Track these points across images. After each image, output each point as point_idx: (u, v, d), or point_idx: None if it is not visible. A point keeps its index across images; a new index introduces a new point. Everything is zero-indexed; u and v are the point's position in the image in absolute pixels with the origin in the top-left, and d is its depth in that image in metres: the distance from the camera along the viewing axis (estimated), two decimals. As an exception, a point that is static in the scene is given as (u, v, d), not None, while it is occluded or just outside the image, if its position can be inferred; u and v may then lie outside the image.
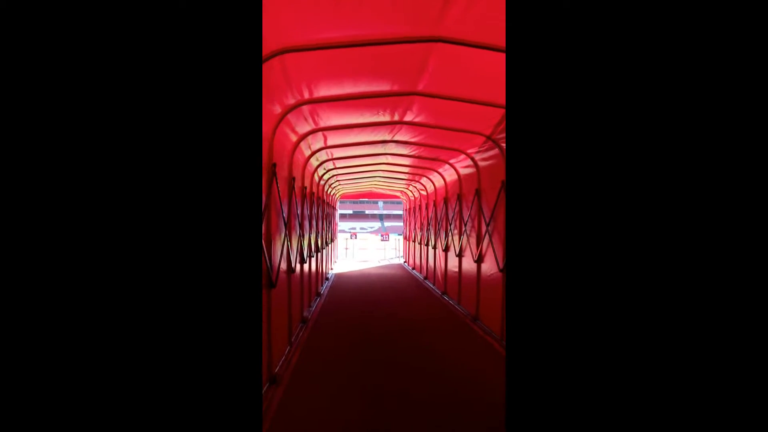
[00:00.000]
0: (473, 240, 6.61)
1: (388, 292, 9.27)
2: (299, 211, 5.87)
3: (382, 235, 22.04)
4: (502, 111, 4.41)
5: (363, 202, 54.94)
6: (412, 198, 13.13)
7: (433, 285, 9.81)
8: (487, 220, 5.90)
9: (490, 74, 3.53)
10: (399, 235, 20.73)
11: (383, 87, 4.08)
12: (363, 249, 19.98)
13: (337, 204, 14.26)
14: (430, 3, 2.57)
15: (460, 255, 7.43)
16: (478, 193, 6.45)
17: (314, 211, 7.76)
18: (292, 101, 4.01)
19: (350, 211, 55.57)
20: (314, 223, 7.74)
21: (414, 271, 12.78)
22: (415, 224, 12.78)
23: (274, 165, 4.15)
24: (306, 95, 4.01)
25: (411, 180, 10.80)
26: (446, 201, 8.69)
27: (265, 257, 3.80)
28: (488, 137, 5.37)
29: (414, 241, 12.98)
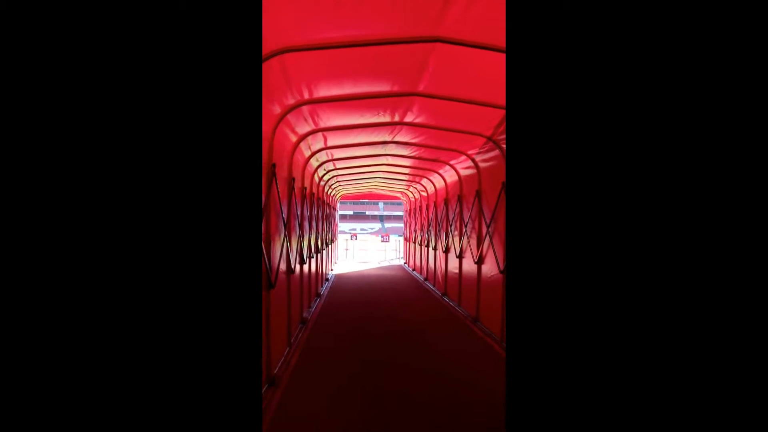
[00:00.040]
0: (473, 241, 6.60)
1: (389, 293, 9.26)
2: (299, 212, 5.86)
3: (382, 237, 22.05)
4: (503, 112, 4.41)
5: (363, 203, 55.00)
6: (413, 199, 13.13)
7: (434, 286, 9.80)
8: (488, 221, 5.89)
9: (490, 75, 3.53)
10: (399, 236, 20.73)
11: (383, 87, 4.07)
12: (363, 250, 19.99)
13: (338, 205, 14.26)
14: (430, 3, 2.57)
15: (460, 256, 7.42)
16: (478, 194, 6.44)
17: (314, 211, 7.76)
18: (291, 101, 4.00)
19: (350, 212, 55.59)
20: (314, 223, 7.73)
21: (414, 272, 12.77)
22: (415, 225, 12.78)
23: (274, 165, 4.15)
24: (306, 95, 4.01)
25: (411, 181, 10.79)
26: (447, 202, 8.69)
27: (263, 258, 3.79)
28: (489, 138, 5.37)
29: (414, 243, 12.97)
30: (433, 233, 9.97)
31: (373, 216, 57.85)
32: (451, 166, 7.50)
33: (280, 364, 4.36)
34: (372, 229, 52.88)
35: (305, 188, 6.45)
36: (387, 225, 52.64)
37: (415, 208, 12.81)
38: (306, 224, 6.55)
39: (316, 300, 8.03)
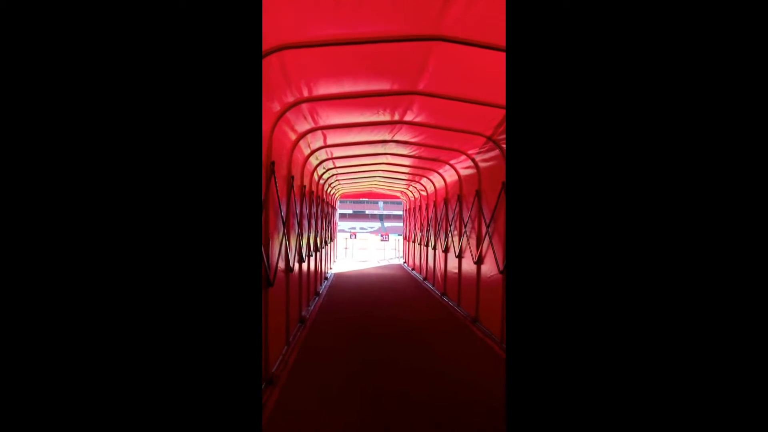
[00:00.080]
0: (473, 241, 6.59)
1: (388, 293, 9.26)
2: (298, 210, 5.85)
3: (382, 236, 22.06)
4: (503, 112, 4.40)
5: (363, 201, 54.99)
6: (412, 198, 13.12)
7: (433, 286, 9.79)
8: (487, 221, 5.89)
9: (491, 74, 3.52)
10: (399, 235, 20.72)
11: (383, 86, 4.06)
12: (363, 249, 19.97)
13: (337, 203, 14.25)
14: (430, 2, 2.56)
15: (459, 256, 7.42)
16: (478, 194, 6.43)
17: (313, 210, 7.75)
18: (291, 99, 3.99)
19: (350, 211, 55.59)
20: (313, 222, 7.72)
21: (413, 271, 12.77)
22: (414, 225, 12.77)
23: (273, 163, 4.14)
24: (305, 93, 3.99)
25: (411, 180, 10.79)
26: (446, 202, 8.68)
27: (262, 256, 3.79)
28: (489, 138, 5.36)
29: (414, 242, 12.97)
30: (432, 233, 9.97)
31: (372, 215, 57.86)
32: (451, 165, 7.49)
33: (278, 362, 4.36)
34: (371, 228, 52.89)
35: (304, 186, 6.44)
36: (386, 224, 52.65)
37: (414, 208, 12.81)
38: (305, 222, 6.55)
39: (315, 299, 8.02)
